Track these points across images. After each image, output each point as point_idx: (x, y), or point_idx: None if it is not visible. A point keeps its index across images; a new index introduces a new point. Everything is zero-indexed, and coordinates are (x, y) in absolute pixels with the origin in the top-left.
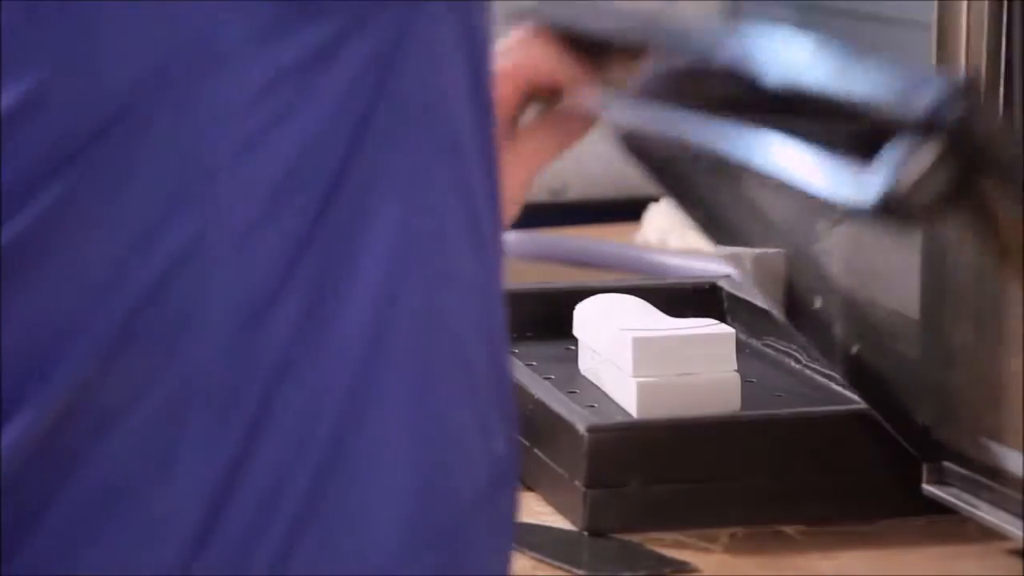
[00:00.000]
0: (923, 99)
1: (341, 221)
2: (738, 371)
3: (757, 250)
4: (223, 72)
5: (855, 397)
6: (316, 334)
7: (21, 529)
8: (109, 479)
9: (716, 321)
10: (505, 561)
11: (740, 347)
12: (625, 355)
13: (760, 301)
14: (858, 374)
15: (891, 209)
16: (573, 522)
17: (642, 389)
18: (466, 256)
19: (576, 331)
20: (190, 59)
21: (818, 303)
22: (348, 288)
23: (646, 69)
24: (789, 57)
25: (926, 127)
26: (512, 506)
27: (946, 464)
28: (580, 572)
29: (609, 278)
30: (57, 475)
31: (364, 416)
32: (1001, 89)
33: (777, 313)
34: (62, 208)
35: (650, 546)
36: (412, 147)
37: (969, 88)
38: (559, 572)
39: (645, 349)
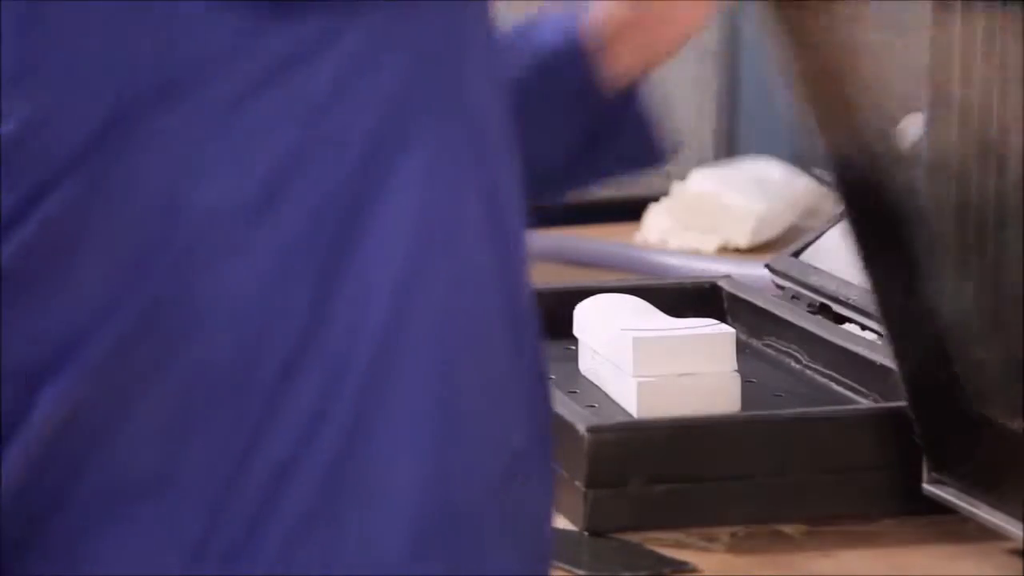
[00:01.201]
0: None
1: (350, 213)
2: (738, 371)
3: None
4: (217, 71)
5: (855, 397)
6: (329, 328)
7: (30, 531)
8: (117, 479)
9: (716, 321)
10: (521, 560)
11: (740, 347)
12: (625, 355)
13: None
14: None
15: None
16: (573, 522)
17: (642, 389)
18: (487, 249)
19: (576, 331)
20: (185, 61)
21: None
22: (361, 280)
23: None
24: None
25: None
26: (532, 504)
27: (946, 463)
28: (580, 572)
29: (609, 278)
30: (65, 477)
31: (379, 405)
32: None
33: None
34: (84, 205)
35: (650, 546)
36: (426, 143)
37: None
38: (559, 572)
39: (645, 349)
